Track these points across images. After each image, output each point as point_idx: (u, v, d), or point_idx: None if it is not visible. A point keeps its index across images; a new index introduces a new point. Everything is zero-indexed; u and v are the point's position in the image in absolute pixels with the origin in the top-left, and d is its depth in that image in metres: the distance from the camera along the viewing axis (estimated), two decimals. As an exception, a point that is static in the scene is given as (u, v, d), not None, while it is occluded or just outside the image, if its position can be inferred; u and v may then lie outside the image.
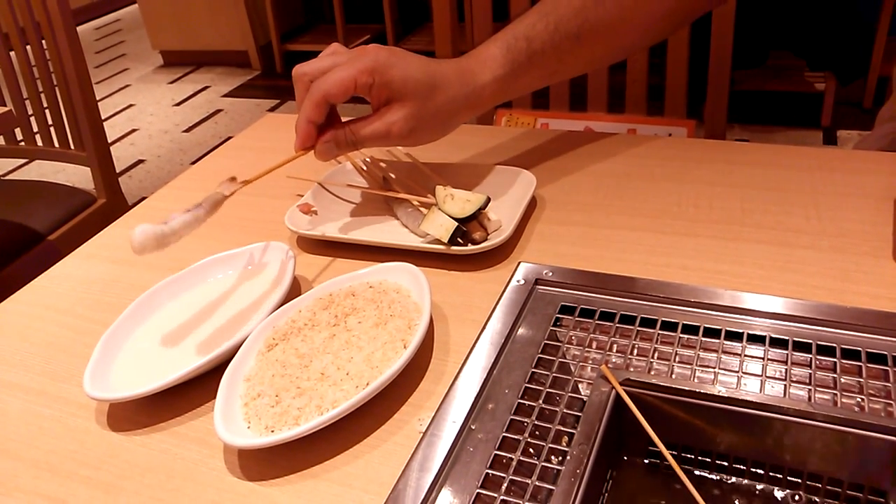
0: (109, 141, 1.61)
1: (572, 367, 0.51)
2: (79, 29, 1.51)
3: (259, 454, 0.49)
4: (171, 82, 3.92)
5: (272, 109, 3.38)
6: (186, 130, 3.30)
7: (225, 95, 3.64)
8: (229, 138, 1.01)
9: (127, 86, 3.95)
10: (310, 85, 0.64)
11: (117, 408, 0.55)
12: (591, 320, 0.55)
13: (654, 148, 0.82)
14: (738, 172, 0.75)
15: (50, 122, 1.58)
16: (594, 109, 1.19)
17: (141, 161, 3.06)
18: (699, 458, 0.49)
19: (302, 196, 0.76)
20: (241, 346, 0.55)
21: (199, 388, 0.54)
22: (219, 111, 3.47)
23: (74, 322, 0.65)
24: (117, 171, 1.69)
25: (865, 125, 2.61)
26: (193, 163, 0.97)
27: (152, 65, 4.20)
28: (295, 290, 0.64)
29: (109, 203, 1.58)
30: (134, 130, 3.37)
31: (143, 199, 0.86)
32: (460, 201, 0.67)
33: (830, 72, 2.64)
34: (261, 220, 0.77)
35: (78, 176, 2.71)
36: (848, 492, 0.46)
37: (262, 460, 0.48)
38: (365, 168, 0.80)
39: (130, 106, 3.66)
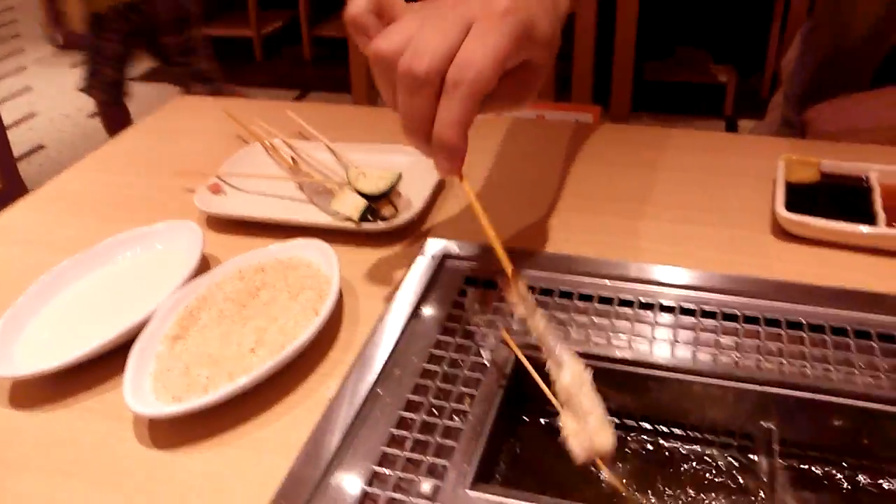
0: (5, 125, 1.54)
1: (476, 335, 0.54)
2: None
3: (169, 424, 0.49)
4: (75, 66, 3.76)
5: (183, 93, 3.29)
6: (91, 116, 3.18)
7: (131, 80, 3.52)
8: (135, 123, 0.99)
9: (23, 68, 3.76)
10: (427, 80, 0.47)
11: (21, 385, 0.54)
12: (494, 291, 0.58)
13: (559, 131, 0.85)
14: (640, 154, 0.79)
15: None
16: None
17: (41, 147, 2.93)
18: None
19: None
20: (148, 321, 0.55)
21: (107, 366, 0.54)
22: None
23: (-28, 303, 0.64)
24: (15, 156, 1.62)
25: (763, 114, 2.76)
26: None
27: (51, 47, 4.02)
28: (204, 268, 0.64)
29: (7, 189, 1.52)
30: (32, 115, 3.22)
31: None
32: (373, 178, 0.68)
33: (732, 64, 2.80)
34: (170, 201, 0.76)
35: (-28, 162, 2.58)
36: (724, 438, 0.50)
37: (172, 430, 0.49)
38: (274, 149, 0.80)
39: (27, 89, 3.49)
